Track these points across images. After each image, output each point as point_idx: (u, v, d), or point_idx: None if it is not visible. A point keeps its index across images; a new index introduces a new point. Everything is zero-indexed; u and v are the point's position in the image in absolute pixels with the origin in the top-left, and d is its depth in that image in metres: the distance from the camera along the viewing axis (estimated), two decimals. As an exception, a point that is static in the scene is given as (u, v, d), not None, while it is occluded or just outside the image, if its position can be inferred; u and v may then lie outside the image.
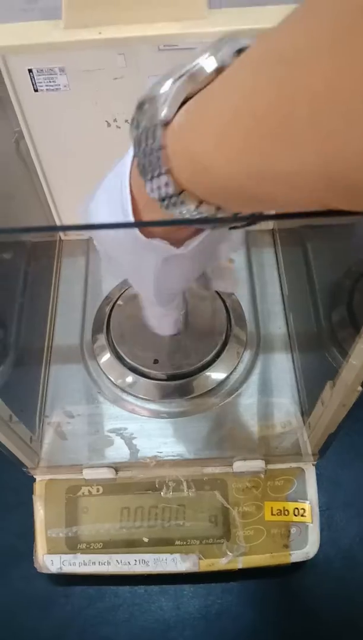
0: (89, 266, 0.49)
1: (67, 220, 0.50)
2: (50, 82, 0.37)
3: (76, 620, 0.42)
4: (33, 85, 0.37)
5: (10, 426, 0.33)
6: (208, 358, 0.42)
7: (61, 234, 0.51)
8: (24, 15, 0.33)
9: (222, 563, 0.39)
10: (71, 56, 0.34)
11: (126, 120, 0.40)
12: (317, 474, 0.40)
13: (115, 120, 0.40)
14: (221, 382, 0.42)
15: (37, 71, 0.36)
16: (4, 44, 0.31)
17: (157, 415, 0.41)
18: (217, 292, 0.46)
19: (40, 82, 0.38)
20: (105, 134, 0.40)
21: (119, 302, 0.45)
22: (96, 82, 0.37)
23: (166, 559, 0.39)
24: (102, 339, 0.44)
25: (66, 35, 0.29)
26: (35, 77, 0.37)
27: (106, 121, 0.40)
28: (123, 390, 0.42)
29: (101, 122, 0.40)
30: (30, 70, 0.36)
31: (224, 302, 0.45)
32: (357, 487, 0.46)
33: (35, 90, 0.38)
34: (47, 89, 0.38)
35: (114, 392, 0.42)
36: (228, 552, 0.38)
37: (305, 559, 0.39)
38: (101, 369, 0.43)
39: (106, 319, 0.45)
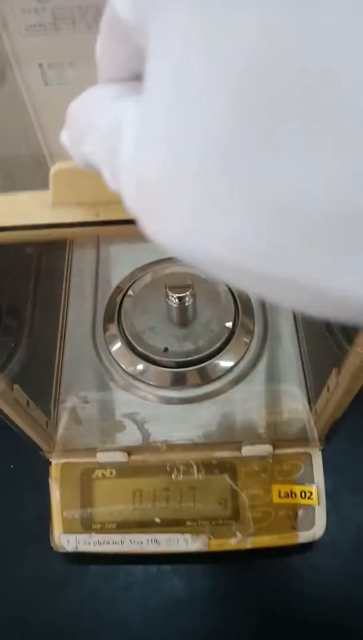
0: (100, 257, 0.50)
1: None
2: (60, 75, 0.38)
3: (92, 598, 0.44)
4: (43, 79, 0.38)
5: (28, 411, 0.35)
6: (217, 346, 0.43)
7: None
8: (35, 17, 0.33)
9: (231, 543, 0.40)
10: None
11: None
12: (324, 459, 0.41)
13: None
14: (230, 370, 0.43)
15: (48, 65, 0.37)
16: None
17: (167, 401, 0.42)
18: (226, 283, 0.46)
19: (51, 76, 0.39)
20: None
21: (130, 292, 0.46)
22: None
23: (177, 539, 0.40)
24: (113, 328, 0.45)
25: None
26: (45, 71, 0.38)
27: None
28: (134, 377, 0.43)
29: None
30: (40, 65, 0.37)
31: (232, 291, 0.46)
32: (364, 472, 0.47)
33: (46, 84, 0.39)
34: (57, 83, 0.39)
35: (125, 379, 0.43)
36: (237, 533, 0.40)
37: (312, 540, 0.41)
38: (113, 357, 0.44)
39: (117, 309, 0.46)
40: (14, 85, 0.41)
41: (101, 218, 0.19)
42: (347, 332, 0.44)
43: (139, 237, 0.21)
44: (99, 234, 0.18)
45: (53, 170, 0.19)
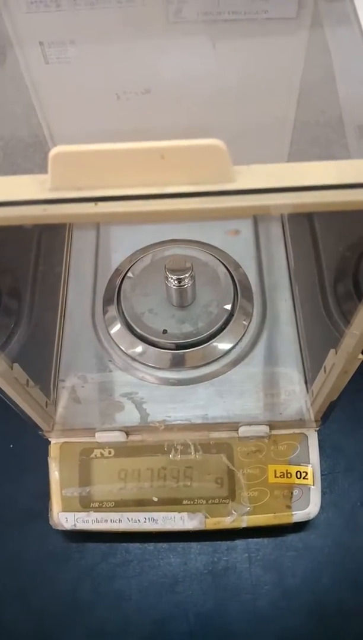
0: (100, 238, 0.50)
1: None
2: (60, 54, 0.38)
3: (90, 574, 0.45)
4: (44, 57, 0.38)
5: (27, 391, 0.35)
6: (215, 329, 0.43)
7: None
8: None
9: (227, 522, 0.41)
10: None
11: (136, 93, 0.41)
12: (320, 441, 0.42)
13: (125, 92, 0.41)
14: (228, 352, 0.43)
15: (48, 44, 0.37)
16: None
17: (166, 382, 0.43)
18: (225, 265, 0.47)
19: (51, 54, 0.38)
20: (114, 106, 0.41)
21: (129, 274, 0.47)
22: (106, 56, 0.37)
23: (174, 517, 0.41)
24: (113, 309, 0.45)
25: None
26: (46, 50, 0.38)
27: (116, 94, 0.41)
28: (133, 359, 0.43)
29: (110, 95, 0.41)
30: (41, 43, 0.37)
31: (231, 274, 0.46)
32: (359, 454, 0.48)
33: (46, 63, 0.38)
34: (58, 61, 0.39)
35: (124, 361, 0.44)
36: (233, 512, 0.41)
37: (307, 519, 0.41)
38: (112, 339, 0.44)
39: (116, 291, 0.46)
40: (15, 64, 0.41)
41: (100, 204, 0.19)
42: (344, 314, 0.44)
43: (138, 220, 0.21)
44: (98, 220, 0.18)
45: (53, 152, 0.19)
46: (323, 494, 0.42)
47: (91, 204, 0.18)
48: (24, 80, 0.41)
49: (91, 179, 0.18)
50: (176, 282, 0.41)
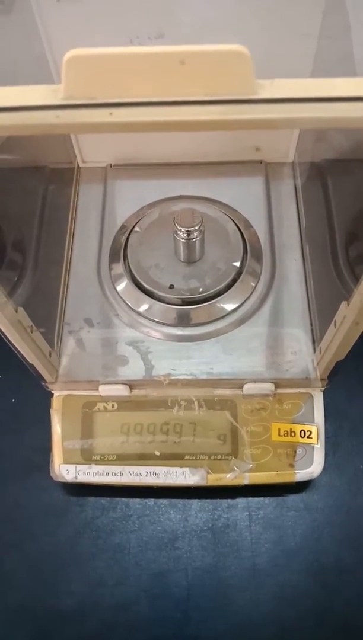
0: (106, 194, 0.49)
1: (86, 147, 0.50)
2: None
3: (89, 528, 0.45)
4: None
5: (32, 337, 0.35)
6: (223, 285, 0.43)
7: (79, 161, 0.51)
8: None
9: (229, 478, 0.41)
10: None
11: (149, 38, 0.40)
12: (325, 404, 0.42)
13: (137, 37, 0.39)
14: (235, 310, 0.43)
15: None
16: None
17: (172, 338, 0.42)
18: (235, 222, 0.46)
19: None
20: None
21: (136, 228, 0.46)
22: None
23: (176, 472, 0.41)
24: (119, 263, 0.44)
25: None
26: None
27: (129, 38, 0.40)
28: (138, 313, 0.43)
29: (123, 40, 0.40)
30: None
31: (241, 231, 0.45)
32: (363, 418, 0.48)
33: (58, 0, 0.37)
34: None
35: (129, 315, 0.43)
36: (235, 468, 0.40)
37: (310, 479, 0.41)
38: (118, 293, 0.44)
39: (123, 245, 0.45)
40: (26, 5, 0.40)
41: (115, 112, 0.18)
42: (355, 273, 0.43)
43: (156, 130, 0.20)
44: (113, 130, 0.17)
45: (68, 56, 0.18)
46: (326, 456, 0.41)
47: (106, 113, 0.17)
48: (35, 20, 0.40)
49: (107, 86, 0.18)
50: (185, 234, 0.40)
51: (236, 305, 0.43)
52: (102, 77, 0.17)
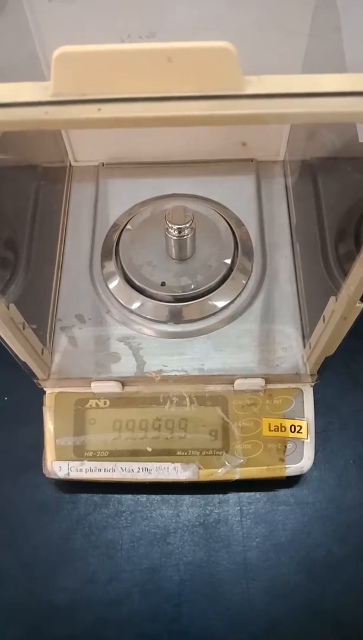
0: (98, 192, 0.50)
1: (78, 147, 0.51)
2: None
3: (82, 524, 0.45)
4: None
5: (24, 334, 0.35)
6: (214, 282, 0.43)
7: (72, 160, 0.52)
8: None
9: (220, 473, 0.41)
10: None
11: (141, 37, 0.40)
12: (315, 400, 0.42)
13: (129, 36, 0.40)
14: (226, 306, 0.43)
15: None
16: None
17: (163, 335, 0.43)
18: (226, 220, 0.46)
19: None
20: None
21: (128, 226, 0.46)
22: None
23: (167, 468, 0.41)
24: (111, 261, 0.45)
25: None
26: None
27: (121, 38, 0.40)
28: (131, 311, 0.43)
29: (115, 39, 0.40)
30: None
31: (232, 229, 0.46)
32: (354, 413, 0.48)
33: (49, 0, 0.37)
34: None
35: (121, 312, 0.43)
36: (227, 463, 0.41)
37: (300, 473, 0.42)
38: (110, 290, 0.44)
39: (115, 243, 0.46)
40: (18, 6, 0.40)
41: (104, 108, 0.18)
42: (345, 270, 0.44)
43: (143, 125, 0.20)
44: (102, 126, 0.18)
45: (57, 53, 0.18)
46: (316, 451, 0.42)
47: (95, 108, 0.18)
48: (27, 20, 0.40)
49: (95, 83, 0.18)
50: (176, 232, 0.41)
51: (227, 302, 0.43)
52: (90, 73, 0.18)
